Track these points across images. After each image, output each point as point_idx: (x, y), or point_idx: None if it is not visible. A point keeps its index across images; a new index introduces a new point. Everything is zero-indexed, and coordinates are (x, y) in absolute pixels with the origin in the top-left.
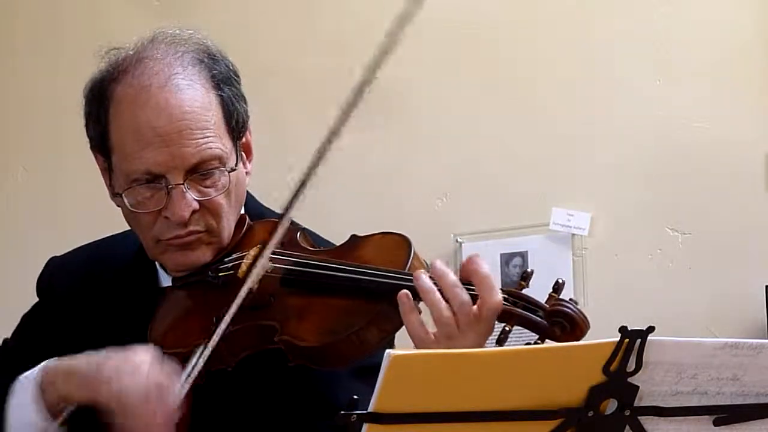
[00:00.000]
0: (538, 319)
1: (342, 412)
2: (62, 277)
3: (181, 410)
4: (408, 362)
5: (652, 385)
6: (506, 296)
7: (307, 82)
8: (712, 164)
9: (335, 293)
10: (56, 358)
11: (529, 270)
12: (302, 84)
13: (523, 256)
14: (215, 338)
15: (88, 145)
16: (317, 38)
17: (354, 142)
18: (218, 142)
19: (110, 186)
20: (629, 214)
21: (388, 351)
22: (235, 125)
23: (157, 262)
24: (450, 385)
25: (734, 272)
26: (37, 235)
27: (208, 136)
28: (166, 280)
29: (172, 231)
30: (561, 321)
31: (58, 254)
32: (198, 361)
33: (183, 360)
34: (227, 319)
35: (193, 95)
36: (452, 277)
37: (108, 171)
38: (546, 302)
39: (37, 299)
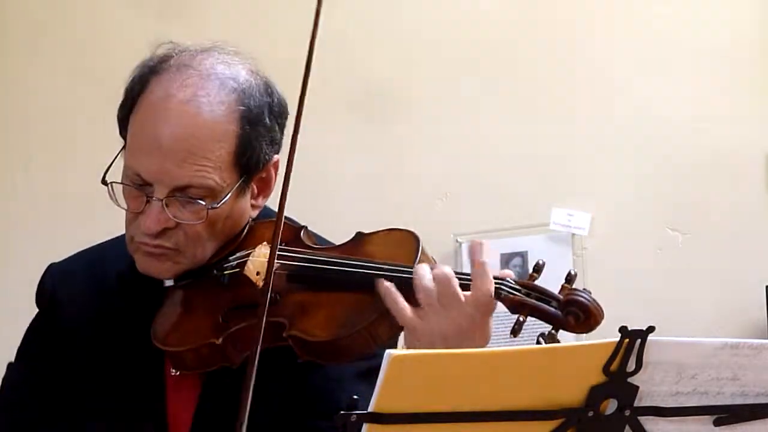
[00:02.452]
0: (552, 309)
1: (342, 412)
2: (64, 283)
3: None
4: (408, 362)
5: (652, 385)
6: (519, 287)
7: (308, 82)
8: (712, 164)
9: (344, 288)
10: None
11: (540, 262)
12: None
13: (523, 256)
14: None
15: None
16: (318, 38)
17: (354, 142)
18: (215, 175)
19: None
20: (629, 214)
21: (388, 351)
22: (248, 162)
23: None
24: (450, 385)
25: (734, 272)
26: (37, 236)
27: (206, 166)
28: (169, 280)
29: (141, 237)
30: (575, 311)
31: (57, 257)
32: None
33: (187, 357)
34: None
35: (208, 121)
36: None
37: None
38: (559, 293)
39: (35, 305)
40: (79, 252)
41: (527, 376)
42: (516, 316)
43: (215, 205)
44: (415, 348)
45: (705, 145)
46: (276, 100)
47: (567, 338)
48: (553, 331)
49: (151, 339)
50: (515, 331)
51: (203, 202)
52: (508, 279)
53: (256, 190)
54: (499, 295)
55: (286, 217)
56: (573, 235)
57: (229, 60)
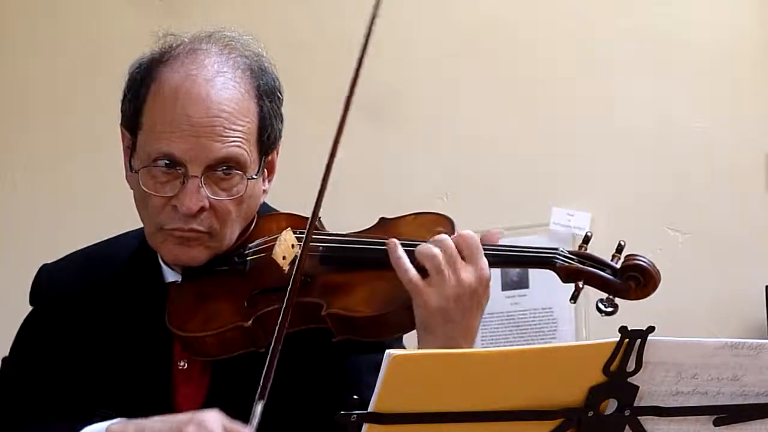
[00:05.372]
0: (609, 276)
1: (342, 412)
2: (58, 282)
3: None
4: (408, 362)
5: (652, 385)
6: (573, 256)
7: (309, 82)
8: (712, 164)
9: (380, 266)
10: (120, 420)
11: (589, 233)
12: (304, 83)
13: None
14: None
15: (119, 122)
16: (319, 38)
17: (354, 142)
18: (246, 147)
19: (129, 165)
20: (629, 214)
21: (388, 351)
22: (266, 139)
23: (160, 258)
24: (450, 385)
25: (734, 272)
26: (35, 236)
27: (238, 137)
28: (170, 276)
29: (175, 222)
30: (636, 275)
31: (56, 257)
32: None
33: (208, 342)
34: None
35: (234, 96)
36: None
37: (131, 149)
38: (612, 261)
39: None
40: (72, 252)
41: (527, 376)
42: (574, 283)
43: (253, 176)
44: (424, 320)
45: (705, 145)
46: (275, 78)
47: (566, 339)
48: (611, 297)
49: (167, 326)
50: (574, 297)
51: (242, 174)
52: (561, 248)
53: (266, 172)
54: (554, 264)
55: (297, 215)
56: (573, 235)
57: (232, 42)
